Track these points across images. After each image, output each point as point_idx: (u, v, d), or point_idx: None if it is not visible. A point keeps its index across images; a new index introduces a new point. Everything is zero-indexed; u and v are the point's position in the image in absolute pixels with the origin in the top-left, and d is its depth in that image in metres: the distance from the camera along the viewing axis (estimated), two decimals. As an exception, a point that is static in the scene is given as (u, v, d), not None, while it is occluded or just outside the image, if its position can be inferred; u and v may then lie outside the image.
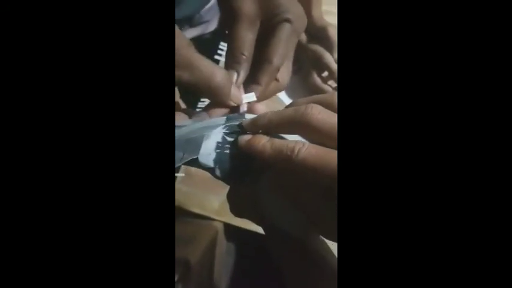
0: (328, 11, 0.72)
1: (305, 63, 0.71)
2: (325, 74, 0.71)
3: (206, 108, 0.32)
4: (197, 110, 0.32)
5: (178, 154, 0.27)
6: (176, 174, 0.68)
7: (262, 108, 0.32)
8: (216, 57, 0.69)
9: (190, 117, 0.30)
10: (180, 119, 0.29)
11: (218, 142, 0.28)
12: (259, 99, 0.33)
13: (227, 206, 0.30)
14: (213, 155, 0.27)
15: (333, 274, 0.25)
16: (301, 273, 0.27)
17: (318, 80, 0.71)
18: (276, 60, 0.32)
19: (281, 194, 0.26)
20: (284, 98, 0.73)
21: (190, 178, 0.68)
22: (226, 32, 0.33)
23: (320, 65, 0.70)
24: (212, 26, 0.72)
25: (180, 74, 0.28)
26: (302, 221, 0.26)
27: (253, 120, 0.27)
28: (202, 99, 0.66)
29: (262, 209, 0.27)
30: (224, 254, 0.67)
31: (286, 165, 0.24)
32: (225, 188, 0.30)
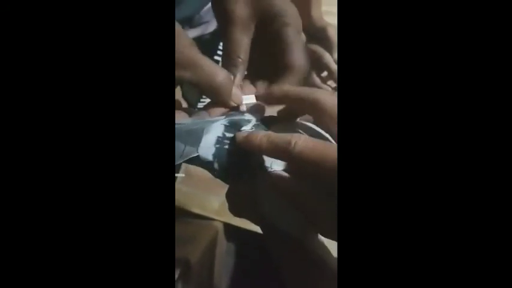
0: (328, 12, 0.72)
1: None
2: (325, 74, 0.71)
3: (206, 107, 0.32)
4: (197, 109, 0.33)
5: (179, 146, 0.27)
6: (176, 175, 0.68)
7: (262, 108, 0.32)
8: (216, 57, 0.69)
9: (190, 115, 0.31)
10: (180, 117, 0.29)
11: (218, 136, 0.28)
12: (272, 100, 0.33)
13: (227, 206, 0.30)
14: (213, 150, 0.28)
15: (333, 274, 0.25)
16: (300, 273, 0.27)
17: (317, 80, 0.71)
18: (297, 61, 0.32)
19: (279, 193, 0.26)
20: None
21: (190, 178, 0.68)
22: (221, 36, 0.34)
23: (319, 65, 0.70)
24: (212, 26, 0.73)
25: (182, 73, 0.29)
26: (301, 221, 0.26)
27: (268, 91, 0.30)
28: (203, 99, 0.66)
29: (261, 208, 0.27)
30: (224, 253, 0.67)
31: (283, 159, 0.24)
32: (225, 189, 0.30)
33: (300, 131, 0.29)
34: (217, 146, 0.28)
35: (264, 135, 0.25)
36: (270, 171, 0.27)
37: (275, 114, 0.32)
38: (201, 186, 0.67)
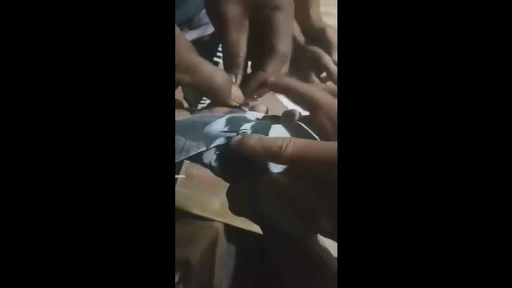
0: (327, 12, 0.72)
1: (304, 64, 0.72)
2: (324, 75, 0.71)
3: (208, 106, 0.32)
4: (198, 109, 0.33)
5: (180, 140, 0.27)
6: (177, 176, 0.68)
7: (263, 108, 0.33)
8: (215, 59, 0.70)
9: (192, 114, 0.31)
10: (182, 115, 0.30)
11: (220, 133, 0.28)
12: (277, 89, 0.33)
13: (227, 206, 0.30)
14: (214, 148, 0.28)
15: (333, 274, 0.26)
16: (300, 273, 0.27)
17: (316, 81, 0.72)
18: (280, 45, 0.33)
19: (279, 193, 0.26)
20: (283, 99, 0.73)
21: (191, 180, 0.68)
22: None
23: (318, 66, 0.70)
24: (211, 28, 0.73)
25: (181, 76, 0.29)
26: (301, 221, 0.26)
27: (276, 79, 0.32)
28: (203, 100, 0.66)
29: (261, 208, 0.28)
30: (224, 254, 0.67)
31: (276, 162, 0.26)
32: (226, 190, 0.30)
33: (302, 127, 0.30)
34: (219, 144, 0.28)
35: (257, 140, 0.26)
36: (270, 172, 0.27)
37: (276, 114, 0.32)
38: (202, 188, 0.67)
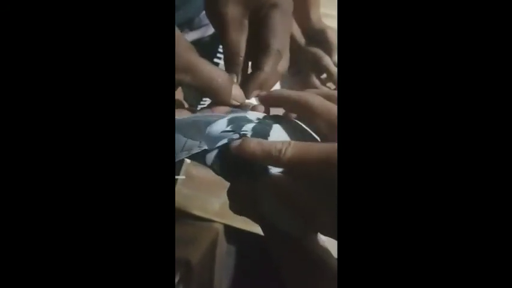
0: (327, 14, 0.72)
1: (304, 65, 0.72)
2: (324, 76, 0.71)
3: (209, 106, 0.33)
4: (199, 109, 0.33)
5: (180, 139, 0.27)
6: (177, 177, 0.68)
7: (264, 108, 0.33)
8: (216, 60, 0.70)
9: (193, 113, 0.31)
10: (183, 114, 0.30)
11: (221, 133, 0.28)
12: (263, 86, 0.34)
13: (228, 207, 0.30)
14: (215, 147, 0.28)
15: (333, 274, 0.26)
16: (300, 273, 0.27)
17: (316, 82, 0.72)
18: (273, 42, 0.33)
19: (279, 194, 0.26)
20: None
21: (191, 180, 0.68)
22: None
23: (319, 67, 0.70)
24: (211, 29, 0.73)
25: (182, 77, 0.29)
26: (301, 221, 0.26)
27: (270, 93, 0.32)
28: (203, 100, 0.66)
29: (261, 208, 0.28)
30: (225, 255, 0.67)
31: (276, 166, 0.26)
32: (226, 190, 0.30)
33: (302, 127, 0.30)
34: (220, 143, 0.28)
35: (256, 144, 0.26)
36: (270, 172, 0.27)
37: (278, 113, 0.32)
38: (202, 188, 0.67)
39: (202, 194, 0.67)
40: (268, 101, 0.33)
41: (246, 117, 0.30)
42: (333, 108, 0.28)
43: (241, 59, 0.33)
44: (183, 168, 0.69)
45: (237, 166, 0.28)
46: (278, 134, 0.29)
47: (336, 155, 0.22)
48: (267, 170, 0.27)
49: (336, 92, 0.30)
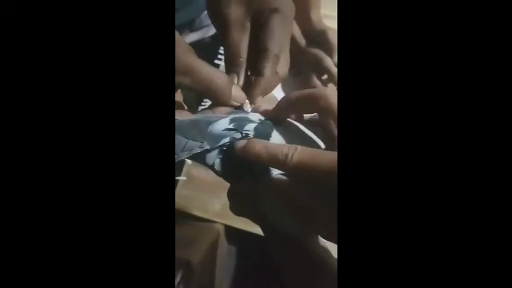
0: (327, 15, 0.73)
1: (305, 66, 0.72)
2: (325, 77, 0.72)
3: (211, 107, 0.33)
4: (200, 109, 0.33)
5: (181, 139, 0.27)
6: (178, 178, 0.68)
7: (267, 109, 0.33)
8: (216, 61, 0.70)
9: (193, 113, 0.31)
10: (183, 115, 0.30)
11: (222, 132, 0.28)
12: (264, 90, 0.34)
13: (228, 207, 0.30)
14: (216, 147, 0.28)
15: (333, 274, 0.26)
16: (301, 274, 0.27)
17: (317, 83, 0.72)
18: (272, 46, 0.33)
19: (280, 196, 0.26)
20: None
21: (192, 181, 0.68)
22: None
23: (320, 68, 0.70)
24: (212, 30, 0.73)
25: (181, 79, 0.29)
26: (301, 222, 0.26)
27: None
28: (203, 102, 0.66)
29: (262, 208, 0.28)
30: (225, 255, 0.67)
31: (281, 169, 0.26)
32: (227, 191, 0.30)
33: (302, 130, 0.30)
34: (222, 141, 0.28)
35: (262, 147, 0.26)
36: (271, 173, 0.27)
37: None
38: (203, 189, 0.67)
39: (203, 194, 0.68)
40: (273, 117, 0.31)
41: (248, 117, 0.30)
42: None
43: (242, 60, 0.33)
44: (184, 169, 0.69)
45: (238, 167, 0.28)
46: (280, 135, 0.29)
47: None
48: (267, 171, 0.27)
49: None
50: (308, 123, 0.31)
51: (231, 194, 0.30)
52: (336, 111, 0.27)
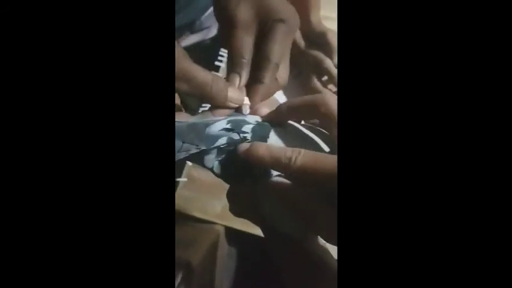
0: (327, 17, 0.73)
1: (305, 67, 0.72)
2: (325, 78, 0.72)
3: (210, 109, 0.33)
4: (201, 110, 0.33)
5: (177, 143, 0.27)
6: (178, 179, 0.68)
7: (266, 110, 0.33)
8: (217, 63, 0.70)
9: (192, 116, 0.31)
10: (183, 117, 0.30)
11: (221, 133, 0.28)
12: (263, 97, 0.34)
13: (228, 208, 0.31)
14: (215, 149, 0.28)
15: (333, 275, 0.26)
16: (301, 275, 0.27)
17: (317, 84, 0.72)
18: (273, 57, 0.33)
19: (280, 198, 0.26)
20: (283, 101, 0.73)
21: (192, 183, 0.68)
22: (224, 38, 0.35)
23: (320, 70, 0.70)
24: (212, 32, 0.73)
25: (178, 85, 0.29)
26: (301, 223, 0.26)
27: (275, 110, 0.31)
28: (203, 106, 0.67)
29: (261, 210, 0.28)
30: (226, 256, 0.67)
31: (284, 172, 0.26)
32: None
33: (301, 131, 0.30)
34: (218, 142, 0.28)
35: (265, 150, 0.26)
36: (271, 174, 0.27)
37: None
38: (203, 191, 0.67)
39: (203, 196, 0.68)
40: (273, 120, 0.32)
41: (245, 120, 0.30)
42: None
43: (245, 61, 0.34)
44: (185, 170, 0.69)
45: (237, 168, 0.28)
46: (277, 136, 0.29)
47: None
48: (267, 173, 0.27)
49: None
50: (309, 125, 0.31)
51: (230, 196, 0.30)
52: (337, 118, 0.27)
